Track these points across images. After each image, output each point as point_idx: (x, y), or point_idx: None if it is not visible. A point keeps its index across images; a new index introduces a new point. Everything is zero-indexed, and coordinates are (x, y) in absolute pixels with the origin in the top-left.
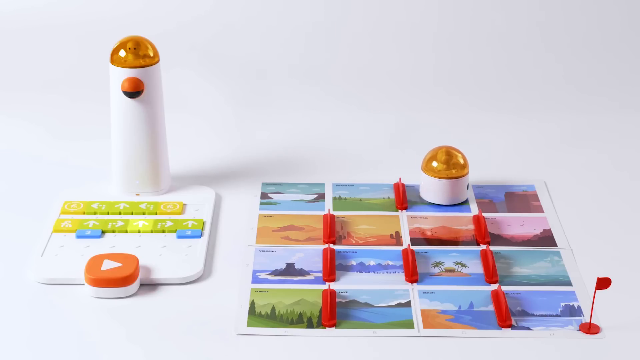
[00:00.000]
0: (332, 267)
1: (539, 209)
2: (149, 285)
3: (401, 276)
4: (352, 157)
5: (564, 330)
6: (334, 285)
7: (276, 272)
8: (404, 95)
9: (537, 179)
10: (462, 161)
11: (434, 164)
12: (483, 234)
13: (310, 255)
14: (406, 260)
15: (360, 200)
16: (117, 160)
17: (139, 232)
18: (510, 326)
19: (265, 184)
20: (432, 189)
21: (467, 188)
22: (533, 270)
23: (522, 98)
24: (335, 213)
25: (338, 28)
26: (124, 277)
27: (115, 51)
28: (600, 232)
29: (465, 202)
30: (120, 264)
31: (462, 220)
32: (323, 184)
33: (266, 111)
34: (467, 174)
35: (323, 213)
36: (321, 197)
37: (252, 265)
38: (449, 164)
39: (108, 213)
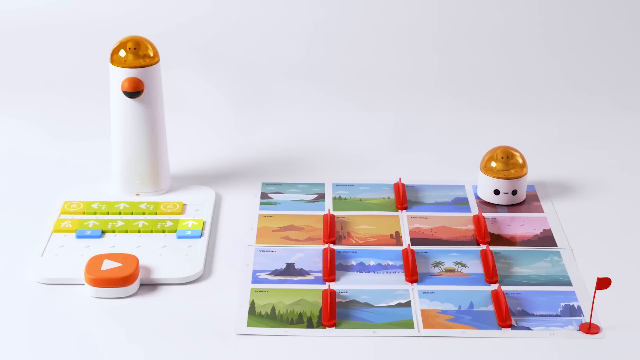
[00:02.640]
0: (332, 267)
1: (539, 209)
2: (149, 285)
3: (401, 276)
4: (352, 157)
5: (564, 330)
6: (334, 285)
7: (276, 272)
8: (404, 95)
9: (536, 179)
10: (520, 161)
11: (493, 164)
12: (483, 234)
13: (310, 255)
14: (406, 260)
15: (360, 200)
16: (117, 160)
17: (139, 232)
18: (510, 326)
19: (265, 184)
20: (490, 189)
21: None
22: (533, 270)
23: (522, 98)
24: (335, 213)
25: (338, 28)
26: (124, 277)
27: (115, 51)
28: (600, 232)
29: (465, 202)
30: (120, 264)
31: (462, 220)
32: (323, 184)
33: (266, 111)
34: (526, 173)
35: (323, 213)
36: (321, 197)
37: (252, 265)
38: (507, 163)
39: (108, 213)
